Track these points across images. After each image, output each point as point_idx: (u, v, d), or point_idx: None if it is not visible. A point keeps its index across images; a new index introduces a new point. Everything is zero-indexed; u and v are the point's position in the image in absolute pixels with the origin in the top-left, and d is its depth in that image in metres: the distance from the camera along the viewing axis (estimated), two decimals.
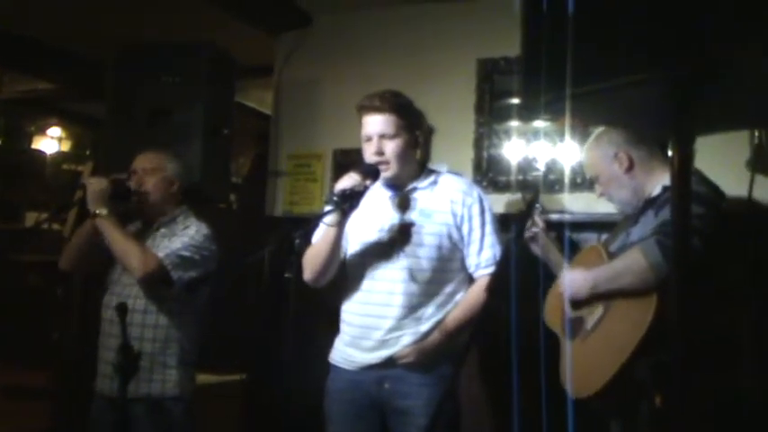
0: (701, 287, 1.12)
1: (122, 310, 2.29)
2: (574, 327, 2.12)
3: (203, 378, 2.95)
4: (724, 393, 1.87)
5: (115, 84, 3.36)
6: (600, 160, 2.24)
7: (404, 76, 3.33)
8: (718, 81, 0.94)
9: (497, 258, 2.29)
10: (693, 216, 1.26)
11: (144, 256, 2.48)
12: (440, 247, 2.31)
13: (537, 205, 2.44)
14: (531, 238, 2.42)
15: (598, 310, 2.07)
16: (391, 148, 2.28)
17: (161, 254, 2.50)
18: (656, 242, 1.91)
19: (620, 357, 1.90)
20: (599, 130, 2.27)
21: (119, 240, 2.50)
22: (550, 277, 2.29)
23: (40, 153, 6.47)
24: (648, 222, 2.08)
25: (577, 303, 2.12)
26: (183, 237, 2.60)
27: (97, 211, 2.49)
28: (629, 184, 2.20)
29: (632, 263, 1.96)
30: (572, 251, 2.41)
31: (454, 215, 2.33)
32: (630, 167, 2.19)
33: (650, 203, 2.14)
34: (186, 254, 2.54)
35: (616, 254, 2.12)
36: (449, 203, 2.34)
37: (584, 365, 2.03)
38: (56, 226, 4.71)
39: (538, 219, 2.42)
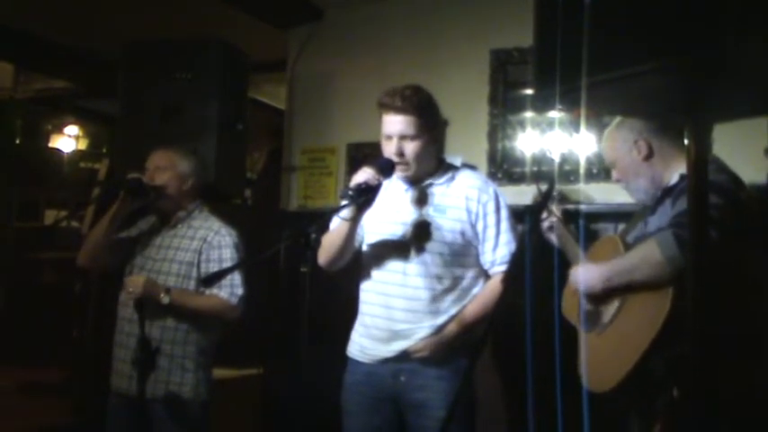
0: (719, 279, 1.10)
1: (141, 305, 2.32)
2: (590, 319, 2.10)
3: (220, 372, 2.97)
4: (743, 387, 1.85)
5: (128, 81, 3.37)
6: (619, 147, 2.22)
7: (417, 68, 3.32)
8: (734, 67, 0.92)
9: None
10: (710, 206, 1.23)
11: (223, 307, 2.61)
12: (454, 243, 2.30)
13: (554, 194, 2.42)
14: (549, 228, 2.40)
15: (614, 303, 2.05)
16: (411, 149, 2.26)
17: (224, 292, 2.59)
18: (671, 234, 1.88)
19: (637, 352, 1.88)
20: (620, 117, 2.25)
21: (197, 308, 2.61)
22: (567, 268, 2.28)
23: (57, 151, 6.53)
24: (666, 212, 2.06)
25: (593, 296, 2.10)
26: (223, 252, 2.65)
27: (163, 301, 2.50)
28: (646, 172, 2.17)
29: (647, 256, 1.93)
30: (589, 241, 2.38)
31: (469, 212, 2.32)
32: (649, 155, 2.16)
33: (668, 192, 2.12)
34: (238, 280, 2.62)
35: (633, 244, 2.10)
36: (464, 200, 2.33)
37: (601, 359, 2.01)
38: (75, 223, 4.76)
39: (554, 208, 2.41)
